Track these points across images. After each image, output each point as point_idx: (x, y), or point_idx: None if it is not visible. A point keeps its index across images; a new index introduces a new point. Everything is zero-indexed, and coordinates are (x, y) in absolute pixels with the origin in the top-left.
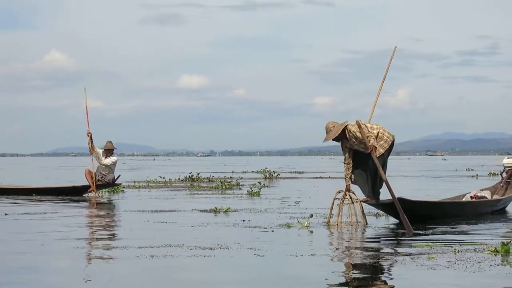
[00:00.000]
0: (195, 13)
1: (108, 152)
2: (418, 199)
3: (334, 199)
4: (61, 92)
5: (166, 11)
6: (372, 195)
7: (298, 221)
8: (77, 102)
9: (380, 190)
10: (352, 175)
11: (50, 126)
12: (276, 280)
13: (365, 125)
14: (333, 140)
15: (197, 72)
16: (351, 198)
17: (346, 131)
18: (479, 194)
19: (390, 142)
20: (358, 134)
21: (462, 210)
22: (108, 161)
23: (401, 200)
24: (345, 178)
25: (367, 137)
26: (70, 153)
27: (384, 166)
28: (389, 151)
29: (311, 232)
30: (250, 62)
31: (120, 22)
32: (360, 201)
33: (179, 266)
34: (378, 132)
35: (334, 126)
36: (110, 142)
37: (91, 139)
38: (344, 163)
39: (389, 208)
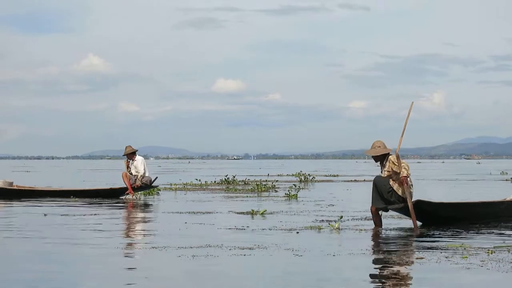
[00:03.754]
0: (231, 17)
1: (130, 156)
2: (440, 201)
3: None
4: (97, 95)
5: (202, 15)
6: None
7: (329, 224)
8: (113, 105)
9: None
10: None
11: (86, 129)
12: (316, 277)
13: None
14: (372, 157)
15: (233, 76)
16: None
17: (387, 158)
18: None
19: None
20: (396, 165)
21: (491, 211)
22: (140, 176)
23: (420, 202)
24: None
25: (402, 166)
26: (106, 156)
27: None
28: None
29: (340, 234)
30: (285, 66)
31: (156, 26)
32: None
33: (221, 265)
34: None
35: (380, 147)
36: (129, 146)
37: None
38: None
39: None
